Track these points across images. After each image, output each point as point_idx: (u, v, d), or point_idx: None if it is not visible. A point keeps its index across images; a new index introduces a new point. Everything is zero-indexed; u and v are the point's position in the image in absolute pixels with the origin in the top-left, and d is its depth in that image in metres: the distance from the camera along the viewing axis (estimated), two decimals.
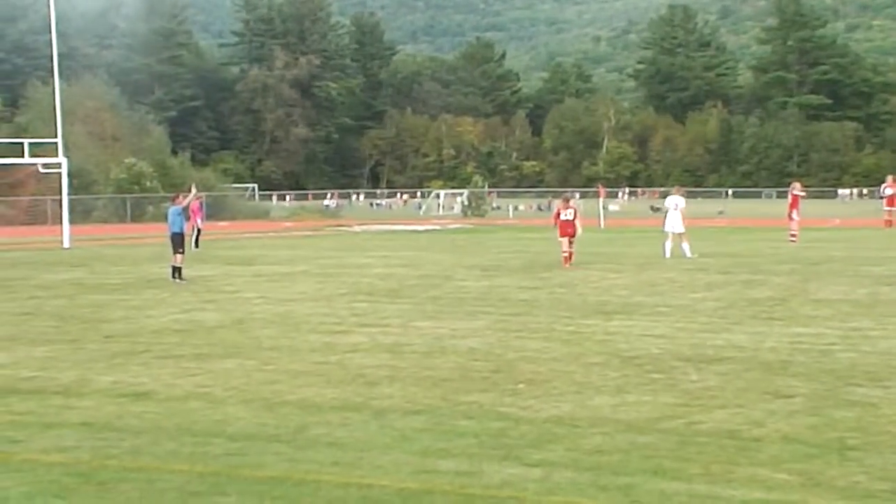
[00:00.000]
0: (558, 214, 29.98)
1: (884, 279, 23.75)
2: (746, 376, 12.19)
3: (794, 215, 39.38)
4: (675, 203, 31.82)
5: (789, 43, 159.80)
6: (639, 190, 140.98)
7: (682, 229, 31.33)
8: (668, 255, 30.81)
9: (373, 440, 9.43)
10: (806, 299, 20.14)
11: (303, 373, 12.80)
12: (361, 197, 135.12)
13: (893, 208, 49.91)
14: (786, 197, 42.30)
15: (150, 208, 68.57)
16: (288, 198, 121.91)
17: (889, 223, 48.83)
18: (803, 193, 41.47)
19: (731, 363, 13.05)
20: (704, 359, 13.37)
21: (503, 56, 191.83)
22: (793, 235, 38.88)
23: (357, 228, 59.11)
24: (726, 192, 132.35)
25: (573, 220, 29.39)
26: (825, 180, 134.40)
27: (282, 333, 16.22)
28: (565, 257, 29.21)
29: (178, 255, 25.84)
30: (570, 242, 29.40)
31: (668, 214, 31.91)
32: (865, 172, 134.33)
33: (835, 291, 21.34)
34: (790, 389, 11.40)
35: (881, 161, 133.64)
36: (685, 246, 30.96)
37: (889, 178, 51.19)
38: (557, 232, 29.78)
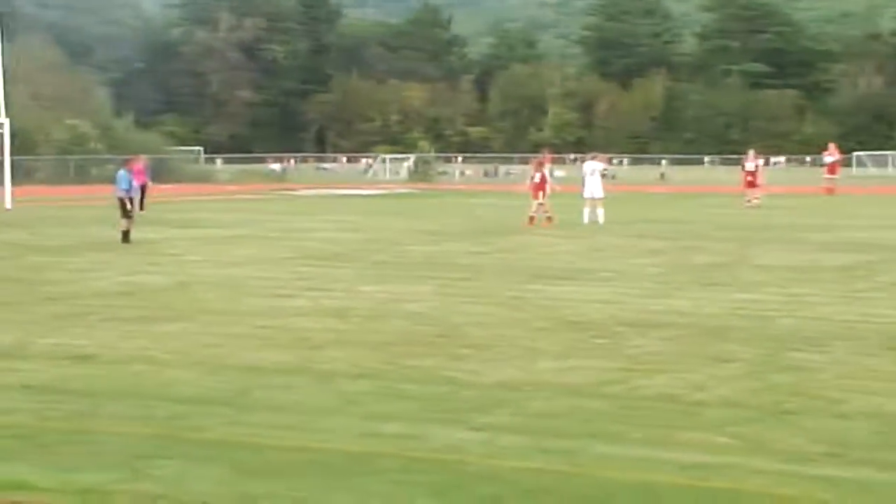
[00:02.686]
0: (532, 177, 31.78)
1: (824, 246, 24.06)
2: (688, 341, 12.32)
3: (759, 182, 40.84)
4: (593, 168, 32.25)
5: (732, 10, 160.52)
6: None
7: (601, 195, 31.57)
8: (586, 220, 31.03)
9: (317, 403, 9.44)
10: (747, 265, 20.37)
11: (246, 336, 12.76)
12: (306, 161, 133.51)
13: (835, 176, 50.60)
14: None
15: (94, 170, 67.83)
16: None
17: (830, 190, 49.45)
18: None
19: (673, 328, 13.18)
20: (647, 324, 13.49)
21: (450, 21, 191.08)
22: (756, 199, 39.72)
23: (303, 192, 58.82)
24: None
25: (541, 182, 31.13)
26: (768, 147, 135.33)
27: (225, 297, 16.15)
28: (531, 217, 30.58)
29: (125, 220, 25.63)
30: (541, 204, 30.78)
31: (585, 180, 32.14)
32: (807, 140, 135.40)
33: (775, 258, 21.60)
34: (731, 354, 11.54)
35: (821, 129, 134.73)
36: (600, 212, 31.15)
37: (830, 146, 51.91)
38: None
